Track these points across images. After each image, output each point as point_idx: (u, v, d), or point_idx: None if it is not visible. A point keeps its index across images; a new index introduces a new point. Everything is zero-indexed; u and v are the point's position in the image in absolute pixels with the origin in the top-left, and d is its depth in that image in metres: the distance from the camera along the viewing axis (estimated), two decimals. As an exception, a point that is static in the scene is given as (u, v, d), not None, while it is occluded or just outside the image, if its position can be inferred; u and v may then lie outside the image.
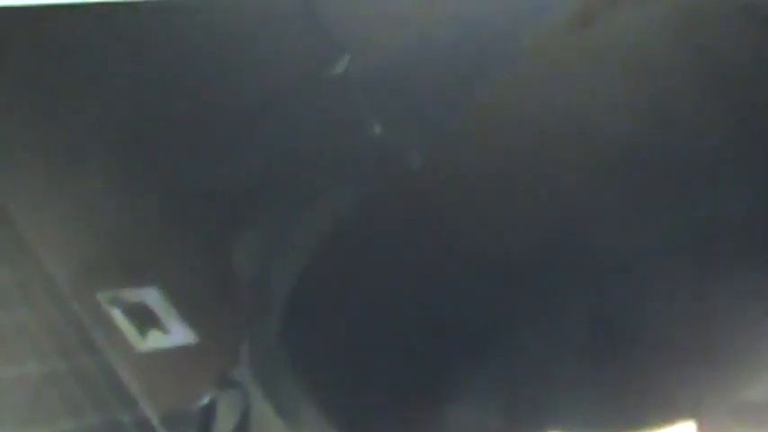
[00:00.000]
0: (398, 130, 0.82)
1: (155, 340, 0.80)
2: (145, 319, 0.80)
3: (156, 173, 0.81)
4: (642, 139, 0.80)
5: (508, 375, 0.79)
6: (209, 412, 0.79)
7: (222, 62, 0.80)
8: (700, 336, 0.80)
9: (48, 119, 0.79)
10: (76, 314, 0.79)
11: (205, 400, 0.79)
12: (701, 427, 0.80)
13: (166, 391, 0.80)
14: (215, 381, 0.79)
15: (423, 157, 0.82)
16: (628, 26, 0.82)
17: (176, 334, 0.80)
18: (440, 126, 0.82)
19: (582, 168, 0.80)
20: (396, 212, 0.83)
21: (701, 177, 0.80)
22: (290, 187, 0.82)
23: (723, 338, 0.80)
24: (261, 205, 0.82)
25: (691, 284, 0.79)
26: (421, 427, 0.80)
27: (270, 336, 0.80)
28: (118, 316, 0.79)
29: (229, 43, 0.79)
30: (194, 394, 0.79)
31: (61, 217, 0.80)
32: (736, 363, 0.81)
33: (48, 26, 0.79)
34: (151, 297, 0.80)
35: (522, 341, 0.79)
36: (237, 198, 0.81)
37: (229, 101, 0.80)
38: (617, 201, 0.79)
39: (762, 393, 0.82)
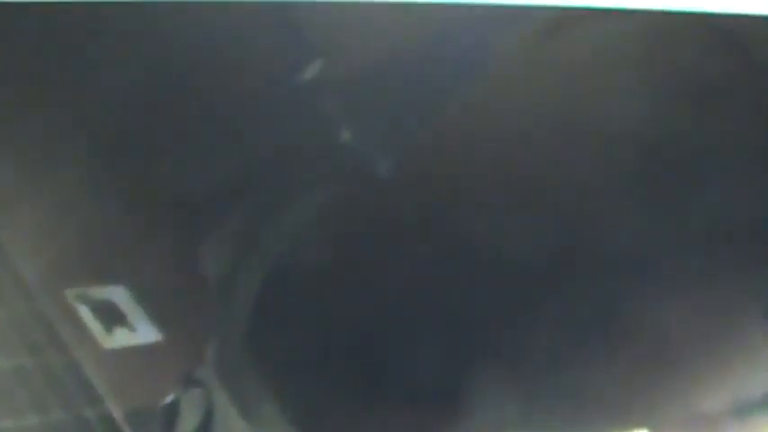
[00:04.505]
0: (370, 136, 0.81)
1: (121, 338, 0.81)
2: (112, 316, 0.80)
3: (125, 173, 0.81)
4: (611, 150, 0.78)
5: (465, 380, 0.79)
6: (173, 410, 0.80)
7: (194, 65, 0.79)
8: (657, 345, 0.79)
9: (17, 118, 0.80)
10: (44, 311, 0.80)
11: (170, 399, 0.80)
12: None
13: (132, 388, 0.81)
14: (180, 379, 0.80)
15: (394, 164, 0.81)
16: (593, 41, 0.80)
17: (143, 332, 0.81)
18: (412, 133, 0.81)
19: (553, 177, 0.79)
20: (366, 218, 0.82)
21: (663, 193, 0.79)
22: (259, 190, 0.81)
23: (679, 348, 0.79)
24: (230, 207, 0.81)
25: (652, 296, 0.79)
26: (386, 429, 0.80)
27: (235, 337, 0.80)
28: (85, 313, 0.80)
29: (202, 47, 0.78)
30: (159, 392, 0.80)
31: (30, 214, 0.81)
32: (690, 373, 0.80)
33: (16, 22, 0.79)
34: (118, 295, 0.80)
35: (486, 348, 0.79)
36: (207, 199, 0.81)
37: (201, 103, 0.79)
38: (582, 210, 0.78)
39: (714, 405, 0.81)
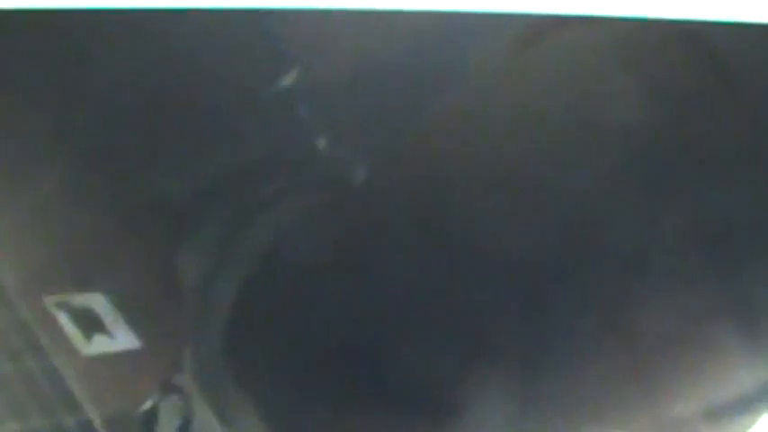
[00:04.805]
0: (344, 145, 0.82)
1: (100, 345, 0.81)
2: (90, 323, 0.81)
3: (104, 180, 0.81)
4: (585, 161, 0.80)
5: (437, 391, 0.81)
6: (152, 417, 0.81)
7: (171, 73, 0.79)
8: (629, 349, 0.81)
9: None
10: (22, 318, 0.80)
11: (148, 405, 0.81)
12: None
13: (110, 395, 0.82)
14: (158, 386, 0.81)
15: (368, 173, 0.81)
16: (573, 48, 0.81)
17: (121, 339, 0.81)
18: (386, 142, 0.82)
19: (517, 191, 0.80)
20: (342, 224, 0.83)
21: (632, 208, 0.81)
22: (236, 197, 0.82)
23: (652, 352, 0.81)
24: (207, 214, 0.82)
25: (622, 299, 0.81)
26: None
27: (212, 343, 0.81)
28: (64, 320, 0.81)
29: (178, 56, 0.78)
30: (138, 399, 0.81)
31: (8, 221, 0.80)
32: (663, 376, 0.83)
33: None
34: (97, 302, 0.81)
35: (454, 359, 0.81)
36: (185, 206, 0.81)
37: (179, 111, 0.79)
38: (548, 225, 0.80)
39: (687, 407, 0.83)
